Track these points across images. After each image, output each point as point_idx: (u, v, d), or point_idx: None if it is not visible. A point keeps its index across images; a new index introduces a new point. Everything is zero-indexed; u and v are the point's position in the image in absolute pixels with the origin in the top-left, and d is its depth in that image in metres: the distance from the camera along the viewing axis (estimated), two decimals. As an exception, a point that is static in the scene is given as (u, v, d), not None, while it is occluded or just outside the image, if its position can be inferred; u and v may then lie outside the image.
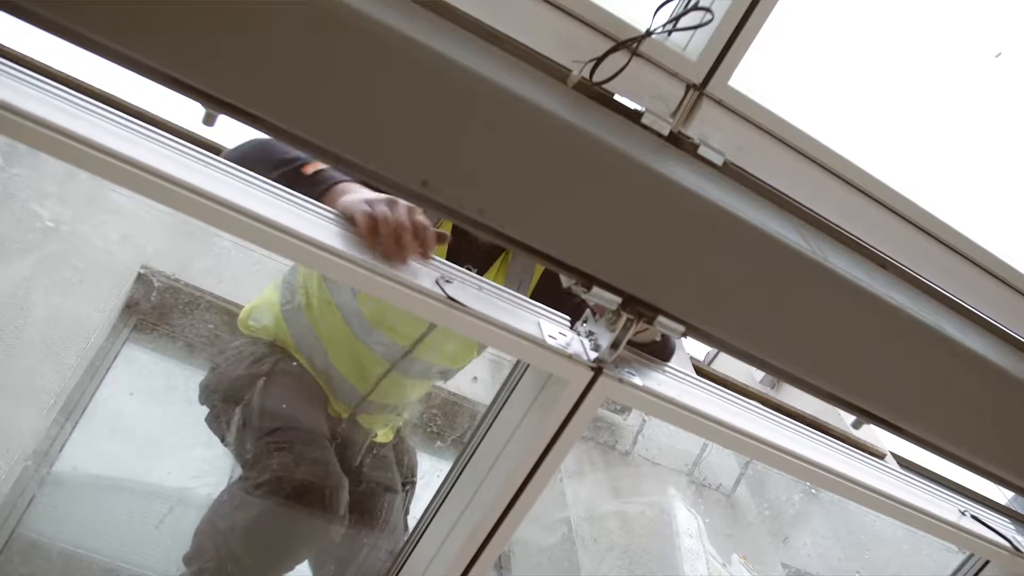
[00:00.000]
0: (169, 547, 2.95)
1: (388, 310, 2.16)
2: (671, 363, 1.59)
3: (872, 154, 1.42)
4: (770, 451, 1.53)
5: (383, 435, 2.57)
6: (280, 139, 1.15)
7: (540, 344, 1.33)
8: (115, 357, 3.50)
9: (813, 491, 5.64)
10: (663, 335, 1.36)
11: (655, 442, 5.13)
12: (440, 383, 2.58)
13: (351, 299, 2.20)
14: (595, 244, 1.24)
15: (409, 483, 2.62)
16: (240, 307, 2.50)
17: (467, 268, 1.88)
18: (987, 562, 2.00)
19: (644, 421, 5.05)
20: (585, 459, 4.69)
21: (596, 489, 4.58)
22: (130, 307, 3.66)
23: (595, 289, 1.27)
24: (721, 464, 5.40)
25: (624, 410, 5.06)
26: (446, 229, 2.04)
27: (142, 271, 3.67)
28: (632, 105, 1.33)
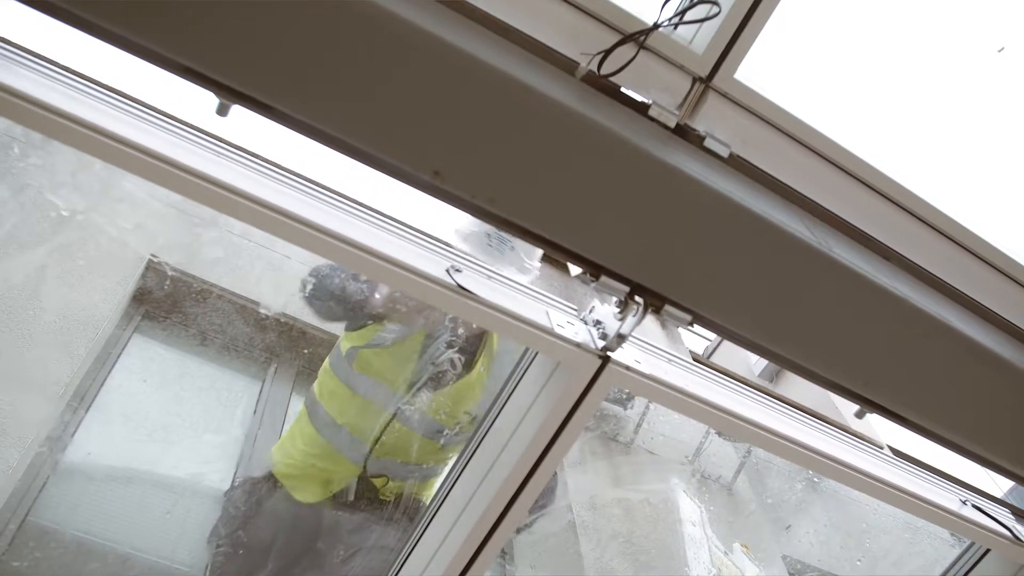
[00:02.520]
0: (180, 534, 2.98)
1: (373, 362, 2.49)
2: (674, 352, 1.61)
3: (876, 147, 1.44)
4: (775, 440, 1.55)
5: (387, 490, 2.71)
6: (292, 128, 1.16)
7: (549, 332, 1.35)
8: (124, 346, 3.52)
9: (816, 479, 5.67)
10: None
11: (656, 433, 5.15)
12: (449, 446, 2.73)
13: (347, 365, 2.54)
14: (603, 234, 1.26)
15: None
16: (248, 300, 2.59)
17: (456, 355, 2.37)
18: (987, 552, 2.02)
19: (645, 412, 5.07)
20: (587, 449, 4.71)
21: (597, 478, 4.60)
22: (140, 297, 3.69)
23: (603, 278, 1.28)
24: (721, 455, 5.42)
25: (625, 401, 5.08)
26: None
27: (151, 262, 3.70)
28: (639, 97, 1.34)
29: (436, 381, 2.48)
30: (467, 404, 2.56)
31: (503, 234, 2.37)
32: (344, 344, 2.58)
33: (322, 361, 2.70)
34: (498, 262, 2.32)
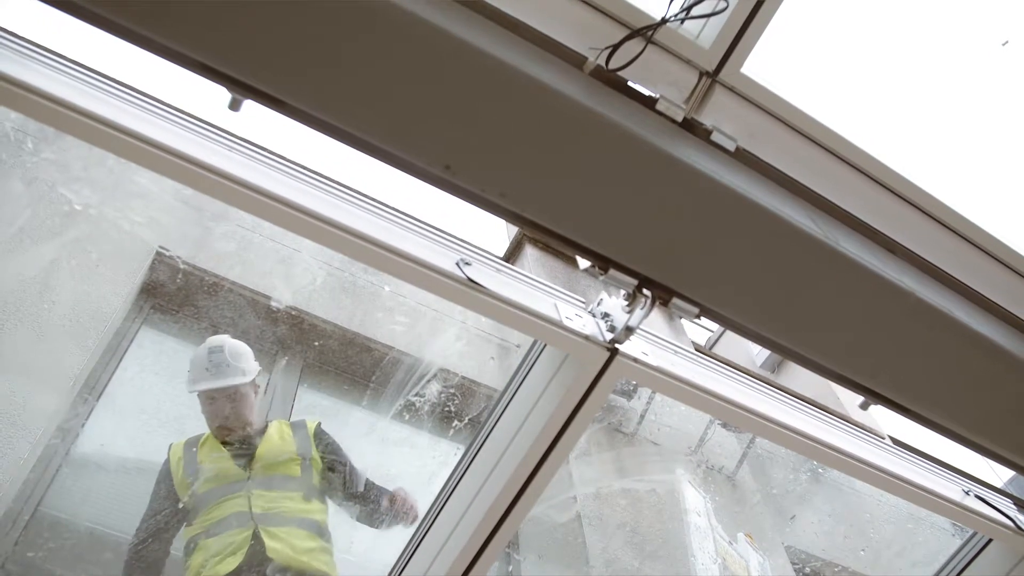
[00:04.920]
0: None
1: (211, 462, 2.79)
2: (678, 344, 1.62)
3: (881, 141, 1.45)
4: (779, 430, 1.56)
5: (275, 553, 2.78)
6: (303, 123, 1.17)
7: (558, 325, 1.36)
8: (133, 338, 3.55)
9: (820, 470, 5.69)
10: None
11: (660, 424, 5.17)
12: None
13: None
14: (612, 227, 1.27)
15: None
16: (259, 293, 2.62)
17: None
18: (989, 541, 2.03)
19: (649, 403, 5.08)
20: (592, 440, 4.73)
21: (603, 469, 4.62)
22: (148, 289, 3.71)
23: (612, 271, 1.30)
24: (723, 445, 5.43)
25: (631, 392, 5.09)
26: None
27: (160, 254, 3.72)
28: (647, 92, 1.35)
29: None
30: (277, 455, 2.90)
31: (216, 353, 2.87)
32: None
33: (332, 354, 2.75)
34: (222, 378, 2.83)
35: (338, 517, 2.98)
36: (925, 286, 1.47)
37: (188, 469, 2.79)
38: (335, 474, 2.93)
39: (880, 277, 1.36)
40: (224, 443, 2.85)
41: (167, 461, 2.83)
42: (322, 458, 2.94)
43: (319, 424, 3.04)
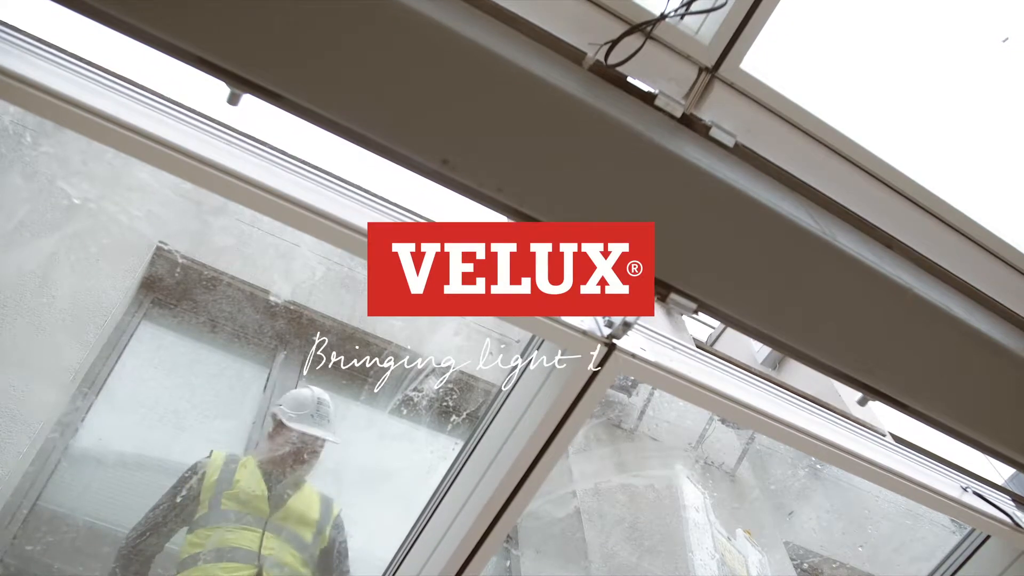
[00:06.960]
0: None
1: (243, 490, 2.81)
2: (678, 340, 1.62)
3: (880, 137, 1.45)
4: (778, 427, 1.56)
5: None
6: (302, 117, 1.17)
7: (555, 320, 1.36)
8: (133, 333, 3.55)
9: (818, 466, 5.69)
10: None
11: (660, 420, 5.17)
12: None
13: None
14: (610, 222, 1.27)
15: None
16: (258, 287, 2.62)
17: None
18: (987, 538, 2.03)
19: (649, 399, 5.08)
20: (591, 436, 4.74)
21: (602, 465, 4.62)
22: (148, 284, 3.70)
23: (609, 267, 1.29)
24: (724, 441, 5.43)
25: (630, 388, 5.09)
26: None
27: (160, 249, 3.72)
28: (646, 87, 1.36)
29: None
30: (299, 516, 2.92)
31: (324, 406, 2.96)
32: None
33: (333, 349, 2.73)
34: (327, 430, 2.93)
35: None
36: (922, 282, 1.47)
37: (222, 481, 2.81)
38: (327, 563, 2.96)
39: (877, 273, 1.36)
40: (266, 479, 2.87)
41: (205, 465, 2.82)
42: (329, 540, 2.97)
43: (340, 512, 3.06)
